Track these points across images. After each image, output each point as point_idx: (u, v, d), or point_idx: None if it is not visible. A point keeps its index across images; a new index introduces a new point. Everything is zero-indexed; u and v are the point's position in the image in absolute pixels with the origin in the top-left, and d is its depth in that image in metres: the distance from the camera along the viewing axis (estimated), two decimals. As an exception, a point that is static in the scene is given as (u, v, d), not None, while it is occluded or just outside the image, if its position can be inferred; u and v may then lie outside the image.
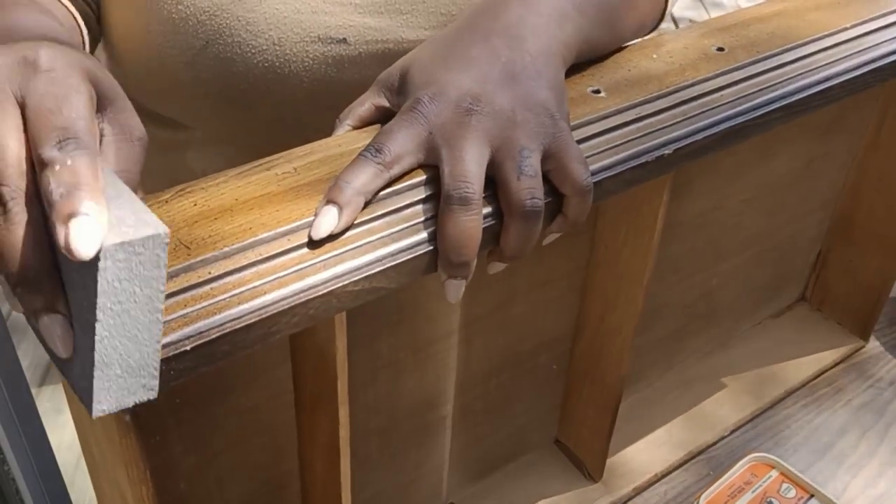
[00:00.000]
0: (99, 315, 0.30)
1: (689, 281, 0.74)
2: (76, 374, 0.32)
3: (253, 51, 0.54)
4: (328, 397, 0.47)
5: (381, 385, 0.57)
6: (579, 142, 0.46)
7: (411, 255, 0.41)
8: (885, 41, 0.58)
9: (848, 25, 0.59)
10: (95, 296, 0.29)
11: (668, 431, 0.76)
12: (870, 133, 0.77)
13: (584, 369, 0.68)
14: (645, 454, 0.74)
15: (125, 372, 0.32)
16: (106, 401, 0.32)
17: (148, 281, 0.30)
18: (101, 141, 0.37)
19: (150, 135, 0.65)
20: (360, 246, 0.40)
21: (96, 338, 0.30)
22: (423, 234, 0.41)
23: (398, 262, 0.40)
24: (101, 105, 0.37)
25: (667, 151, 0.48)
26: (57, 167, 0.30)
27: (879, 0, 0.62)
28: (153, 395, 0.33)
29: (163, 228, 0.30)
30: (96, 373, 0.31)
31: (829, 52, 0.57)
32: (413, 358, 0.58)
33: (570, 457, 0.74)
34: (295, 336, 0.47)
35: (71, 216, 0.29)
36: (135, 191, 0.36)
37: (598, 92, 0.50)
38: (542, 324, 0.64)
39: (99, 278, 0.29)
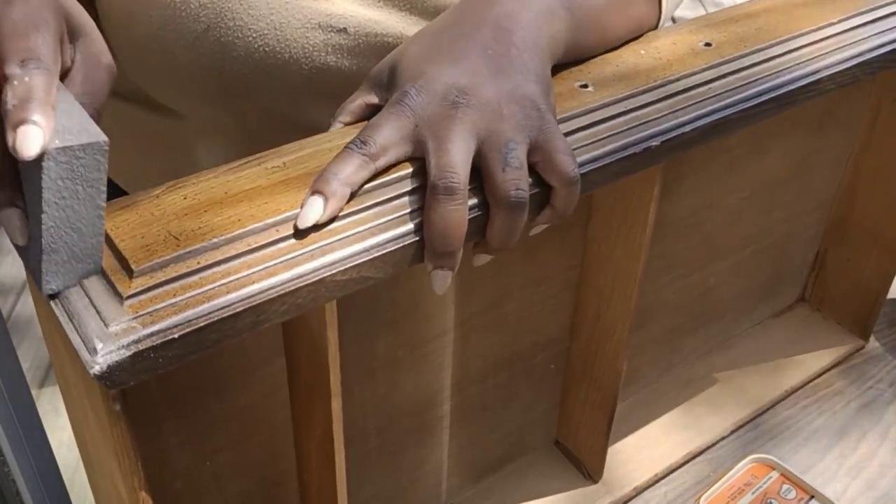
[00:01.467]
0: (45, 207, 0.35)
1: (685, 280, 0.74)
2: (31, 259, 0.37)
3: (254, 35, 0.55)
4: (322, 388, 0.47)
5: (379, 384, 0.58)
6: (567, 134, 0.47)
7: (399, 245, 0.41)
8: (872, 35, 0.59)
9: (835, 20, 0.59)
10: (41, 191, 0.34)
11: (667, 432, 0.76)
12: (863, 130, 0.77)
13: (581, 368, 0.69)
14: (645, 454, 0.74)
15: (71, 258, 0.37)
16: (54, 281, 0.37)
17: (90, 181, 0.35)
18: (71, 67, 0.41)
19: (152, 126, 0.66)
20: (349, 236, 0.41)
21: (43, 227, 0.35)
22: (410, 225, 0.42)
23: (385, 252, 0.41)
24: (73, 36, 0.41)
25: (654, 143, 0.48)
26: (15, 82, 0.35)
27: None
28: (97, 271, 0.38)
29: (102, 137, 0.35)
30: (44, 257, 0.36)
31: (817, 45, 0.57)
32: (410, 356, 0.58)
33: (570, 457, 0.74)
34: (287, 326, 0.48)
35: (19, 123, 0.34)
36: (100, 111, 0.42)
37: (585, 86, 0.51)
38: (537, 322, 0.65)
39: (43, 176, 0.34)
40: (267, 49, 0.55)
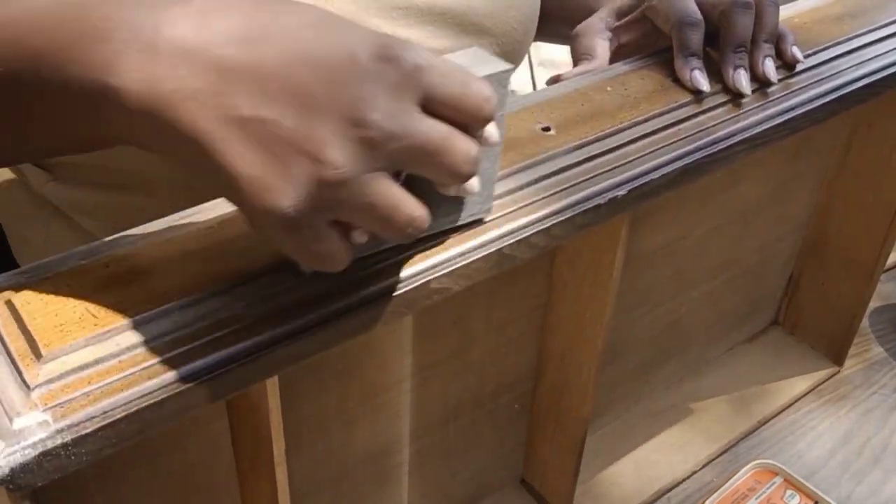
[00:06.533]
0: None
1: (656, 312, 0.71)
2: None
3: None
4: (265, 459, 0.44)
5: (332, 436, 0.54)
6: (527, 184, 0.44)
7: (341, 315, 0.38)
8: (847, 68, 0.56)
9: (810, 52, 0.56)
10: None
11: (638, 468, 0.74)
12: (838, 154, 0.75)
13: (547, 409, 0.66)
14: (616, 491, 0.72)
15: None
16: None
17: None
18: None
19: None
20: (294, 308, 0.37)
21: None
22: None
23: (329, 324, 0.38)
24: None
25: (620, 193, 0.45)
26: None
27: (842, 25, 0.59)
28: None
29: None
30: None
31: (790, 80, 0.54)
32: (363, 407, 0.55)
33: (537, 496, 0.71)
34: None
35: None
36: None
37: (547, 129, 0.48)
38: (502, 365, 0.62)
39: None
40: None
